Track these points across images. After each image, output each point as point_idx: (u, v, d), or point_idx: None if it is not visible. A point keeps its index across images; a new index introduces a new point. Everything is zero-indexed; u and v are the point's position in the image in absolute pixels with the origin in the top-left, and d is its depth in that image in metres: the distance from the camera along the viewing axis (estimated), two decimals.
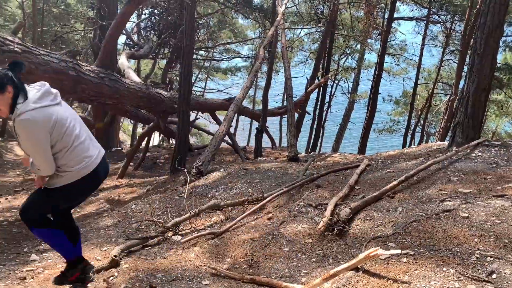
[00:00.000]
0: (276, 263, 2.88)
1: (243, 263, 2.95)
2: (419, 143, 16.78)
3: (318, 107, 14.83)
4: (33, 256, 3.48)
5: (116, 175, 9.10)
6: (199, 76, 22.04)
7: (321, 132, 16.14)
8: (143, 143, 10.50)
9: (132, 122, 21.69)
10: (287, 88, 8.14)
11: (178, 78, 14.03)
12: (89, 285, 2.76)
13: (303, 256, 2.91)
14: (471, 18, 12.34)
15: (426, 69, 18.23)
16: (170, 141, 15.49)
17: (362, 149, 12.85)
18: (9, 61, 2.47)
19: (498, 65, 11.48)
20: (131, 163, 9.73)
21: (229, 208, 4.14)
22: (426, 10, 14.88)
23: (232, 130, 8.88)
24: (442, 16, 15.37)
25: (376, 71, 13.46)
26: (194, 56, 16.73)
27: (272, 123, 16.27)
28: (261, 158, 8.39)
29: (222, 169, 5.78)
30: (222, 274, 2.78)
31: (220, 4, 15.04)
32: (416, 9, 15.33)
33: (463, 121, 5.10)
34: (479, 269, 2.33)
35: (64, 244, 2.68)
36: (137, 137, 12.08)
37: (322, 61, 14.50)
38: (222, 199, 4.30)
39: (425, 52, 16.18)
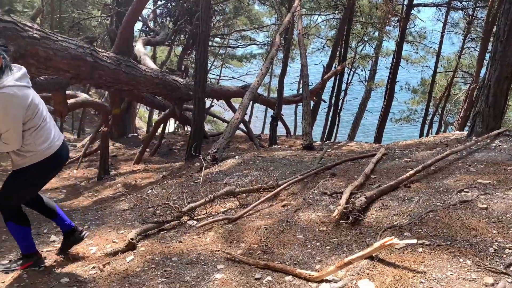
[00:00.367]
0: (290, 249, 2.89)
1: (257, 249, 2.97)
2: (437, 133, 16.49)
3: (334, 95, 14.66)
4: (53, 237, 3.58)
5: (133, 160, 9.24)
6: (215, 63, 22.01)
7: (337, 120, 15.98)
8: (159, 130, 10.61)
9: (148, 108, 21.87)
10: (303, 75, 8.06)
11: (193, 65, 14.06)
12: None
13: (318, 244, 2.92)
14: (494, 4, 11.93)
15: (445, 57, 17.79)
16: (185, 128, 15.61)
17: (378, 138, 12.70)
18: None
19: None
20: (147, 149, 9.86)
21: (244, 194, 4.16)
22: None
23: (246, 117, 8.88)
24: (464, 3, 14.91)
25: (394, 59, 13.18)
26: (210, 43, 16.68)
27: (287, 111, 16.19)
28: (275, 146, 8.38)
29: (236, 156, 5.81)
30: (237, 259, 2.81)
31: None
32: None
33: (483, 111, 4.97)
34: (497, 261, 2.29)
35: (29, 240, 2.89)
36: (153, 124, 12.20)
37: (339, 48, 14.27)
38: (237, 186, 4.33)
39: (445, 40, 15.76)
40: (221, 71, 23.04)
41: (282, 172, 4.77)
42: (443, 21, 15.67)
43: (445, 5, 15.02)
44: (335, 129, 15.80)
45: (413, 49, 17.98)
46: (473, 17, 15.28)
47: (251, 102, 11.42)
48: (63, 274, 2.81)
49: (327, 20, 18.10)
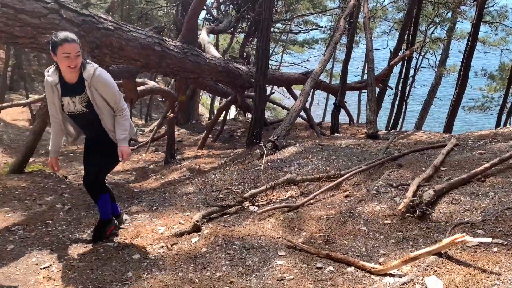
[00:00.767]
0: (352, 241, 2.85)
1: (318, 238, 2.97)
2: None
3: (401, 82, 13.94)
4: (125, 216, 3.85)
5: (197, 146, 9.60)
6: (276, 49, 21.91)
7: (404, 108, 15.20)
8: (221, 117, 10.88)
9: (210, 95, 22.49)
10: (368, 61, 7.76)
11: (255, 52, 14.12)
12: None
13: (381, 237, 2.84)
14: None
15: None
16: (246, 115, 15.83)
17: (448, 128, 11.90)
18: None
19: None
20: (210, 135, 10.17)
21: (305, 183, 4.15)
22: None
23: (307, 105, 8.76)
24: None
25: (469, 42, 12.16)
26: (271, 29, 16.61)
27: (350, 98, 15.73)
28: (337, 134, 8.22)
29: (297, 144, 5.79)
30: (298, 247, 2.83)
31: None
32: None
33: None
34: None
35: (109, 206, 3.26)
36: (215, 111, 12.52)
37: (407, 32, 13.49)
38: (298, 174, 4.33)
39: None
40: (282, 57, 22.89)
41: (344, 162, 4.68)
42: None
43: None
44: (402, 117, 15.06)
45: (492, 31, 16.43)
46: None
47: (312, 89, 11.25)
48: (134, 251, 3.02)
49: (395, 1, 17.15)
